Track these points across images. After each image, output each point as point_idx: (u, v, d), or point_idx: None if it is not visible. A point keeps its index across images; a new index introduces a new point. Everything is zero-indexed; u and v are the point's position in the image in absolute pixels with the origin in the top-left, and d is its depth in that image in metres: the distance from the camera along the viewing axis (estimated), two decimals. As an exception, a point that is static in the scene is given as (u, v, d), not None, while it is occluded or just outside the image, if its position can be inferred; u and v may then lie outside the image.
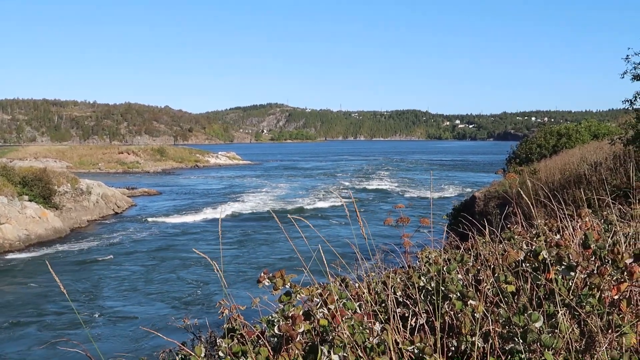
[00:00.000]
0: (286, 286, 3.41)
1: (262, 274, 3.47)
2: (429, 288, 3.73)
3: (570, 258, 3.35)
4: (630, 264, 3.16)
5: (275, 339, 3.38)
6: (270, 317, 3.93)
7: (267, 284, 3.44)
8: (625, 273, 3.11)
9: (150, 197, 67.39)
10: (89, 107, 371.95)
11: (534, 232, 4.69)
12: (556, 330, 2.95)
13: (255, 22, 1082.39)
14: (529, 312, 3.01)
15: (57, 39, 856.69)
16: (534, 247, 3.57)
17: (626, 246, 4.02)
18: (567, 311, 3.15)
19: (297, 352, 3.00)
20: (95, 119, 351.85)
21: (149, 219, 49.42)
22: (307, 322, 3.18)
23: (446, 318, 3.44)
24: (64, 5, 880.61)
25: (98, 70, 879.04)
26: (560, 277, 3.37)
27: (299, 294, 3.40)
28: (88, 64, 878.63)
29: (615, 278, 3.18)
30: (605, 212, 5.86)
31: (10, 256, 35.42)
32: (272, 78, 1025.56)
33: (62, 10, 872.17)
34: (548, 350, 2.83)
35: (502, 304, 3.42)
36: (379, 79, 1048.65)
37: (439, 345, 3.13)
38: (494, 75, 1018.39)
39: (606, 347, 2.92)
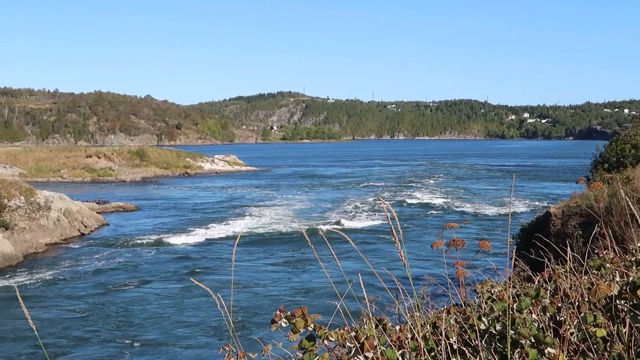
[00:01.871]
0: (308, 328, 3.44)
1: (278, 312, 3.50)
2: (493, 332, 3.73)
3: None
4: None
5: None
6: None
7: (284, 325, 3.47)
8: None
9: (127, 214, 68.07)
10: (49, 97, 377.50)
11: (630, 260, 4.66)
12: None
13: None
14: (626, 363, 3.00)
15: (5, 12, 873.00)
16: (631, 278, 3.56)
17: None
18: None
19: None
20: (56, 113, 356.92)
21: (125, 242, 49.87)
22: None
23: (516, 371, 3.43)
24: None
25: (60, 52, 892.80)
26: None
27: (326, 338, 3.42)
28: (47, 44, 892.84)
29: None
30: None
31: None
32: (284, 59, 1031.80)
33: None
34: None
35: (590, 353, 3.40)
36: (423, 61, 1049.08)
37: (507, 406, 3.13)
38: (574, 55, 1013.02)
39: None
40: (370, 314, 4.12)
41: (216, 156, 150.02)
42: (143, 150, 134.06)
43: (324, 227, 52.92)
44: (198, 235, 52.72)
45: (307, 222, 59.44)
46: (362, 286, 3.76)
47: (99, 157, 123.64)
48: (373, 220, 61.01)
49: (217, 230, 55.24)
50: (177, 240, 50.90)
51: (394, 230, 3.68)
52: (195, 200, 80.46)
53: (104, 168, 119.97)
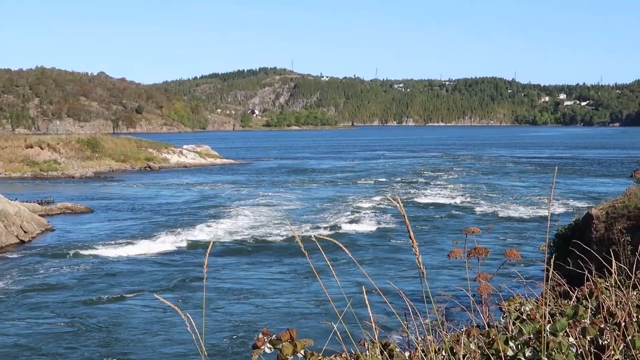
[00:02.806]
0: (298, 355, 3.44)
1: (260, 336, 3.51)
2: (522, 359, 3.74)
3: None
4: None
5: None
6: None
7: (267, 350, 3.48)
8: None
9: (76, 217, 67.96)
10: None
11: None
12: None
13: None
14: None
15: None
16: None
17: None
18: None
19: None
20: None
21: (74, 252, 49.75)
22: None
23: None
24: None
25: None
26: None
27: (318, 366, 3.43)
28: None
29: None
30: None
31: None
32: (269, 29, 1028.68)
33: None
34: None
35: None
36: (436, 31, 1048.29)
37: None
38: (621, 24, 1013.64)
39: None
40: (374, 338, 4.13)
41: (185, 146, 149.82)
42: (95, 140, 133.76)
43: (316, 232, 52.93)
44: (163, 243, 52.64)
45: (297, 226, 59.45)
46: (367, 303, 3.76)
47: (41, 148, 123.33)
48: (376, 224, 61.07)
49: (186, 237, 55.18)
50: (138, 249, 50.78)
51: (410, 231, 3.69)
52: (160, 200, 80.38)
53: (48, 161, 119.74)
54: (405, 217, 3.56)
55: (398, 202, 3.53)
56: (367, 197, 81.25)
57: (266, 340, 3.57)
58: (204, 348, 3.48)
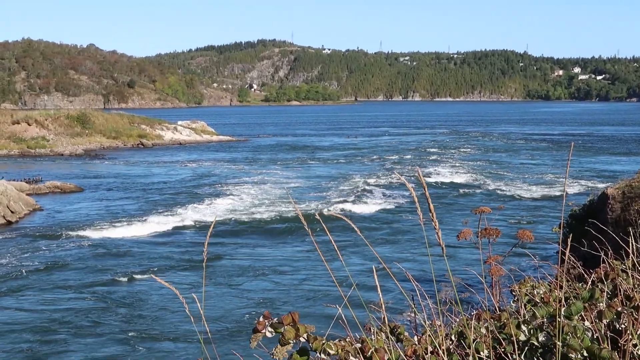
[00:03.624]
0: (301, 339, 3.45)
1: (261, 319, 3.51)
2: (536, 344, 3.75)
3: None
4: None
5: None
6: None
7: (269, 334, 3.48)
8: None
9: (65, 196, 68.01)
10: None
11: None
12: None
13: None
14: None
15: None
16: None
17: None
18: None
19: None
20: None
21: (63, 233, 49.84)
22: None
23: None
24: None
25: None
26: None
27: (323, 351, 3.43)
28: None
29: None
30: None
31: None
32: (267, 0, 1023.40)
33: None
34: None
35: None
36: (444, 2, 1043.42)
37: None
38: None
39: None
40: (384, 321, 4.14)
41: (180, 122, 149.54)
42: (85, 115, 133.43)
43: (320, 212, 52.78)
44: (156, 224, 52.69)
45: (300, 205, 59.36)
46: (377, 284, 3.77)
47: (28, 124, 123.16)
48: (381, 202, 61.12)
49: (182, 217, 55.27)
50: (130, 229, 50.89)
51: (430, 204, 3.67)
52: (153, 179, 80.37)
53: (36, 138, 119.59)
54: (426, 189, 3.56)
55: (418, 173, 3.54)
56: (371, 175, 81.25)
57: (267, 323, 3.57)
58: (202, 335, 3.50)
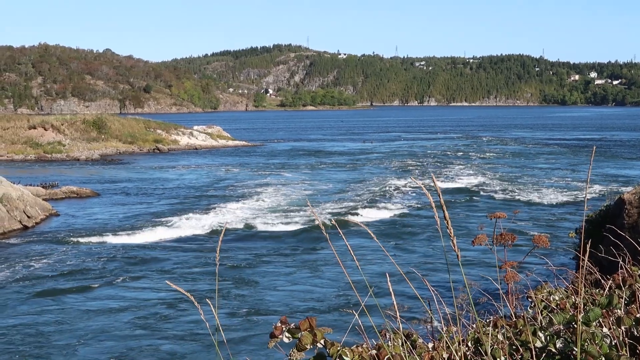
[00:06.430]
0: (318, 344, 3.45)
1: (278, 324, 3.52)
2: (553, 350, 3.74)
3: None
4: None
5: None
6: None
7: (285, 340, 3.49)
8: None
9: (82, 201, 68.26)
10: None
11: None
12: None
13: None
14: None
15: None
16: None
17: None
18: None
19: None
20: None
21: (80, 238, 49.99)
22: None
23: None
24: None
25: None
26: None
27: (340, 357, 3.44)
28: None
29: None
30: None
31: None
32: (283, 4, 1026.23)
33: None
34: None
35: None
36: (460, 7, 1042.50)
37: None
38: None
39: None
40: (398, 327, 4.14)
41: (195, 127, 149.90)
42: (102, 120, 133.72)
43: (336, 218, 53.03)
44: (173, 229, 52.77)
45: (317, 210, 59.35)
46: (391, 291, 3.76)
47: (45, 129, 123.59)
48: (397, 208, 61.05)
49: (200, 222, 55.31)
50: (146, 235, 50.97)
51: (445, 211, 3.67)
52: (170, 184, 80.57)
53: (52, 142, 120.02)
54: (440, 196, 3.56)
55: (433, 179, 3.54)
56: (386, 180, 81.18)
57: (284, 328, 3.57)
58: (223, 335, 3.50)
